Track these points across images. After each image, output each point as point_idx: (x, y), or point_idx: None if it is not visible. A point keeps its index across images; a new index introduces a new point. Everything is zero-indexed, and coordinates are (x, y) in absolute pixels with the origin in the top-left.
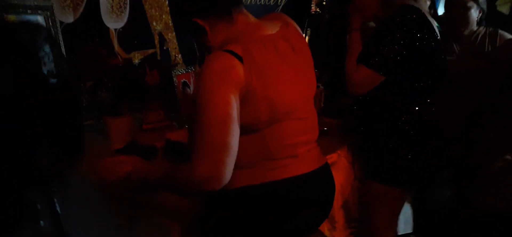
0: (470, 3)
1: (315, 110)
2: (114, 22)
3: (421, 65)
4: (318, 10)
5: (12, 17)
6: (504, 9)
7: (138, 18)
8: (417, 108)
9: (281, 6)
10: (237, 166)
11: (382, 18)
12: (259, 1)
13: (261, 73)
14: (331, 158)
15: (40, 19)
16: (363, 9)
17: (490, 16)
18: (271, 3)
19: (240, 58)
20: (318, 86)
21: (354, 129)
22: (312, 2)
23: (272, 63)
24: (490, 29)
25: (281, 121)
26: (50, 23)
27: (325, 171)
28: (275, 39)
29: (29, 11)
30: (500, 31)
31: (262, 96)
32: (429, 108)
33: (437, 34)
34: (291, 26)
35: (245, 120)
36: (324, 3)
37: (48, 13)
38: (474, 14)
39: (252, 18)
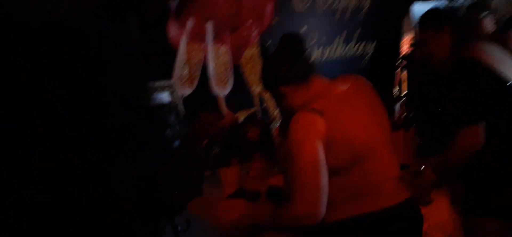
0: None
1: (393, 149)
2: (222, 90)
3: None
4: (411, 49)
5: (146, 97)
6: None
7: (240, 83)
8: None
9: (369, 54)
10: (328, 204)
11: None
12: (348, 53)
13: (339, 123)
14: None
15: (166, 95)
16: (433, 58)
17: None
18: (360, 54)
19: (320, 113)
20: (409, 127)
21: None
22: (405, 43)
23: (347, 113)
24: None
25: (362, 161)
26: (174, 97)
27: (410, 204)
28: (348, 94)
29: (158, 90)
30: None
31: (342, 142)
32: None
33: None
34: (361, 82)
35: (331, 163)
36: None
37: (172, 89)
38: None
39: (326, 80)
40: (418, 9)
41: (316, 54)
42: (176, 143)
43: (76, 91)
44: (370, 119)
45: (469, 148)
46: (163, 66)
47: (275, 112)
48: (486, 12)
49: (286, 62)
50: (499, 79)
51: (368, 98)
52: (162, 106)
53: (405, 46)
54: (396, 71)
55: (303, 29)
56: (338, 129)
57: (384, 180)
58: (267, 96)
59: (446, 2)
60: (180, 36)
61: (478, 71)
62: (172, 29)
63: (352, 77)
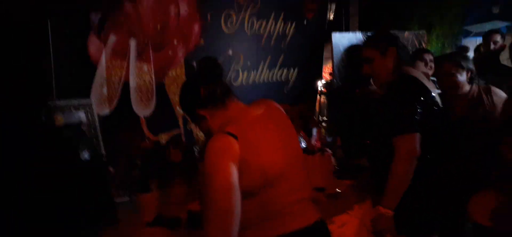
0: (454, 70)
1: (304, 171)
2: (143, 110)
3: (428, 121)
4: (330, 78)
5: (59, 117)
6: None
7: (163, 104)
8: (433, 161)
9: (292, 80)
10: (241, 227)
11: (386, 83)
12: (271, 79)
13: (252, 146)
14: (341, 218)
15: (82, 115)
16: (378, 75)
17: None
18: (283, 79)
19: (235, 137)
20: (324, 151)
21: (373, 188)
22: (323, 72)
23: (260, 137)
24: (483, 86)
25: (274, 183)
26: (90, 117)
27: (320, 225)
28: (261, 118)
29: (73, 109)
30: (492, 87)
31: (255, 165)
32: (443, 160)
33: (433, 95)
34: (274, 107)
35: (244, 186)
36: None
37: (88, 108)
38: (461, 77)
39: (241, 104)
40: (338, 40)
41: (241, 77)
42: (86, 164)
43: None
44: (281, 143)
45: (407, 156)
46: (81, 82)
47: (200, 134)
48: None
49: (203, 86)
50: (429, 93)
51: (280, 122)
52: (77, 125)
53: (326, 73)
54: (317, 98)
55: (229, 52)
56: (252, 152)
57: (295, 202)
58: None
59: (362, 35)
60: (101, 52)
61: (415, 84)
62: (93, 45)
63: (265, 102)
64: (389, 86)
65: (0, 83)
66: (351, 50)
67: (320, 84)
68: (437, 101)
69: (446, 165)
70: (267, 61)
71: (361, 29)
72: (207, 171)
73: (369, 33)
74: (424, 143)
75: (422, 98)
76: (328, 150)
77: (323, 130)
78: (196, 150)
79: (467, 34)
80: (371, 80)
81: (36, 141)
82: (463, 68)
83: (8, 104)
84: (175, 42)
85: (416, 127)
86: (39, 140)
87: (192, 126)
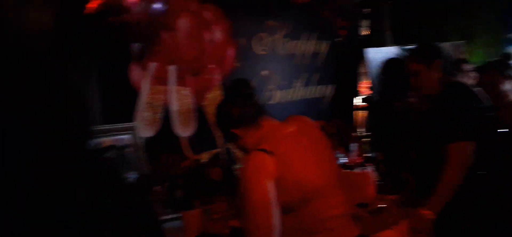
0: (497, 79)
1: (342, 188)
2: (184, 132)
3: (479, 130)
4: (369, 93)
5: (106, 140)
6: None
7: (203, 125)
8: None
9: (328, 96)
10: None
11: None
12: (307, 97)
13: (288, 162)
14: (385, 234)
15: (127, 137)
16: (425, 87)
17: None
18: (318, 96)
19: (270, 153)
20: (365, 166)
21: (418, 202)
22: (361, 86)
23: (295, 153)
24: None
25: (312, 199)
26: (135, 140)
27: None
28: (295, 134)
29: (119, 133)
30: None
31: (291, 180)
32: (490, 171)
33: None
34: (307, 123)
35: (282, 202)
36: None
37: (133, 132)
38: (506, 86)
39: (275, 122)
40: (372, 55)
41: (276, 96)
42: (132, 184)
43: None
44: (316, 158)
45: (461, 164)
46: (125, 107)
47: (239, 153)
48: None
49: (236, 106)
50: (480, 101)
51: (315, 138)
52: (122, 148)
53: (363, 89)
54: (355, 113)
55: (263, 72)
56: (287, 169)
57: (333, 218)
58: None
59: (398, 49)
60: (142, 78)
61: (468, 92)
62: (135, 72)
63: (299, 118)
64: (437, 97)
65: (50, 111)
66: (387, 64)
67: (357, 99)
68: (487, 110)
69: (493, 175)
70: (302, 79)
71: (395, 43)
72: (244, 188)
73: (412, 47)
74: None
75: (474, 105)
76: (369, 164)
77: (363, 145)
78: (235, 168)
79: (510, 42)
80: (410, 92)
81: (85, 164)
82: (506, 76)
83: (58, 130)
84: (212, 66)
85: (471, 135)
86: (88, 164)
87: (231, 145)
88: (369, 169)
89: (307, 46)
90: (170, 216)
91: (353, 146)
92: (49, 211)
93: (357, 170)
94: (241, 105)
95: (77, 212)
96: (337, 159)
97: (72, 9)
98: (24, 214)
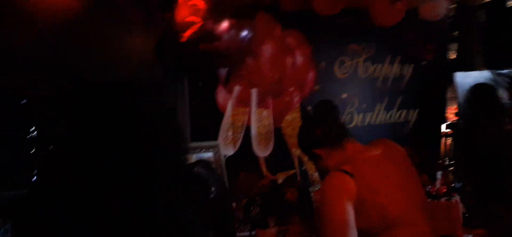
0: None
1: (426, 218)
2: (263, 152)
3: None
4: (457, 118)
5: (192, 157)
6: None
7: (280, 146)
8: None
9: (412, 121)
10: None
11: None
12: (389, 121)
13: (369, 186)
14: None
15: (210, 155)
16: None
17: None
18: (402, 120)
19: (351, 175)
20: (451, 197)
21: None
22: (448, 112)
23: (378, 177)
24: None
25: (394, 227)
26: (217, 157)
27: None
28: (379, 158)
29: (203, 150)
30: None
31: (372, 204)
32: None
33: None
34: (393, 147)
35: (361, 225)
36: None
37: (216, 150)
38: None
39: (358, 145)
40: (462, 79)
41: (357, 119)
42: (214, 199)
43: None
44: (401, 184)
45: None
46: (211, 127)
47: (315, 175)
48: None
49: (320, 126)
50: None
51: (400, 164)
52: (208, 164)
53: (450, 115)
54: (442, 140)
55: (343, 95)
56: (369, 192)
57: None
58: (307, 159)
59: (490, 74)
60: (227, 100)
61: None
62: (221, 94)
63: (384, 143)
64: None
65: (148, 130)
66: (478, 89)
67: (444, 126)
68: None
69: None
70: (384, 103)
71: (488, 67)
72: (323, 207)
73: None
74: None
75: None
76: (455, 195)
77: (450, 175)
78: (311, 190)
79: None
80: (506, 118)
81: (175, 180)
82: None
83: (151, 148)
84: (292, 89)
85: None
86: (178, 179)
87: (307, 167)
88: (455, 200)
89: (390, 69)
90: (245, 234)
91: (439, 175)
92: (146, 216)
93: (442, 200)
94: (325, 126)
95: (171, 218)
96: (422, 187)
97: (170, 36)
98: (124, 218)
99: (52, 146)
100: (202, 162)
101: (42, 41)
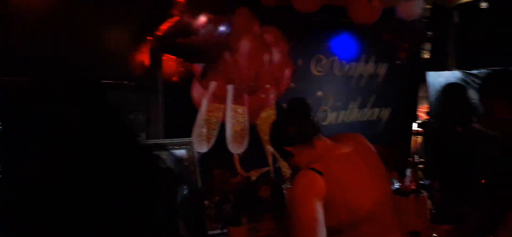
0: None
1: (394, 214)
2: (237, 149)
3: None
4: (428, 118)
5: (164, 154)
6: None
7: (255, 143)
8: None
9: (384, 120)
10: None
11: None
12: (362, 119)
13: (339, 183)
14: None
15: (183, 152)
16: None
17: None
18: (374, 119)
19: (321, 173)
20: (420, 193)
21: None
22: (419, 110)
23: (348, 175)
24: None
25: (363, 222)
26: (191, 154)
27: None
28: (349, 155)
29: (177, 147)
30: None
31: (341, 201)
32: None
33: None
34: (364, 144)
35: (330, 222)
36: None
37: (189, 147)
38: None
39: (329, 142)
40: (434, 79)
41: (331, 117)
42: (185, 197)
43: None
44: (370, 182)
45: None
46: (184, 124)
47: (288, 172)
48: None
49: (292, 124)
50: None
51: (370, 161)
52: (179, 161)
53: (422, 113)
54: (412, 138)
55: (319, 93)
56: (338, 189)
57: None
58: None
59: (461, 74)
60: (202, 96)
61: None
62: (196, 90)
63: (355, 138)
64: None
65: (116, 127)
66: (449, 88)
67: (415, 124)
68: None
69: None
70: (358, 101)
71: (459, 67)
72: (293, 206)
73: (477, 71)
74: None
75: None
76: (423, 192)
77: (419, 172)
78: (284, 187)
79: None
80: (475, 118)
81: (144, 177)
82: None
83: (122, 143)
84: (268, 86)
85: None
86: (147, 176)
87: (281, 164)
88: (423, 196)
89: (365, 68)
90: (217, 231)
91: (408, 172)
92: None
93: (411, 197)
94: (297, 123)
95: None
96: (391, 183)
97: (147, 29)
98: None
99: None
100: (174, 159)
101: None
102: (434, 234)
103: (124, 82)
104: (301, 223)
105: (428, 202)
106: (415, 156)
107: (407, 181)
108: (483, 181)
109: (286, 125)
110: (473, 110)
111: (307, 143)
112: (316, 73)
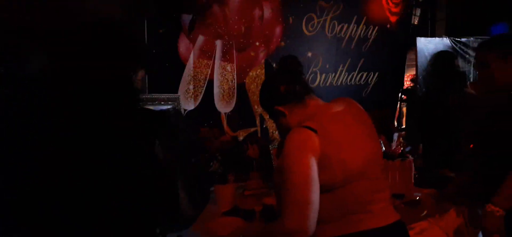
0: None
1: (384, 173)
2: (225, 108)
3: None
4: (412, 85)
5: (150, 108)
6: None
7: (243, 103)
8: None
9: (371, 85)
10: (319, 221)
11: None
12: (350, 82)
13: (333, 141)
14: (420, 225)
15: (169, 108)
16: (497, 80)
17: None
18: (362, 83)
19: (315, 131)
20: (406, 157)
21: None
22: (406, 78)
23: (341, 133)
24: None
25: (355, 180)
26: (177, 111)
27: (400, 226)
28: (342, 114)
29: (162, 102)
30: None
31: (336, 159)
32: None
33: None
34: (354, 105)
35: (324, 180)
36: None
37: (175, 103)
38: None
39: (321, 101)
40: (423, 45)
41: (319, 79)
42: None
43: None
44: (362, 140)
45: None
46: (170, 79)
47: (275, 133)
48: None
49: (284, 83)
50: None
51: (362, 120)
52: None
53: (407, 80)
54: (398, 104)
55: (309, 54)
56: (332, 147)
57: (375, 201)
58: (268, 117)
59: (450, 41)
60: (189, 51)
61: None
62: (183, 44)
63: (346, 100)
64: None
65: (99, 79)
66: (438, 56)
67: (400, 91)
68: None
69: None
70: (347, 64)
71: (448, 34)
72: (286, 163)
73: (467, 39)
74: None
75: None
76: (409, 156)
77: (401, 138)
78: (271, 147)
79: None
80: (466, 86)
81: (132, 132)
82: None
83: (104, 98)
84: (258, 43)
85: None
86: (134, 130)
87: (269, 125)
88: (408, 160)
89: (355, 30)
90: None
91: (395, 136)
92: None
93: (397, 161)
94: (288, 82)
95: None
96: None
97: None
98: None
99: None
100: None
101: None
102: (417, 195)
103: None
104: (294, 180)
105: (413, 166)
106: (400, 121)
107: (394, 145)
108: (471, 145)
109: (278, 83)
110: (460, 78)
111: (299, 102)
112: (307, 33)
